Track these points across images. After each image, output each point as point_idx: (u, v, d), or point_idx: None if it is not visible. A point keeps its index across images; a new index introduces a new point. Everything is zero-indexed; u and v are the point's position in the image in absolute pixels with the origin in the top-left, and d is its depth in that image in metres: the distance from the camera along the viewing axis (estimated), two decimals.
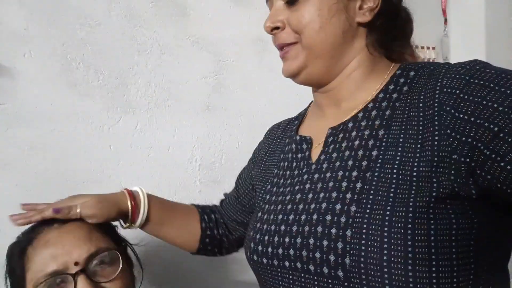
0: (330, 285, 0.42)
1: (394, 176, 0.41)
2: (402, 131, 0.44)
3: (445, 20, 1.47)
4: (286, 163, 0.57)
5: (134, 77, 0.90)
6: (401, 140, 0.43)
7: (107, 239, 0.58)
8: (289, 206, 0.49)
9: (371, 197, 0.41)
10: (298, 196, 0.49)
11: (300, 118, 0.63)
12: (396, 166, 0.42)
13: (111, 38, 0.87)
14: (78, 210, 0.57)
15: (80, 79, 0.84)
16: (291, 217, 0.47)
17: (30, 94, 0.79)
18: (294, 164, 0.55)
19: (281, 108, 1.00)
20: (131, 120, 0.89)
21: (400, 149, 0.42)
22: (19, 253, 0.54)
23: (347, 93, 0.52)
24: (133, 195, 0.64)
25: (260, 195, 0.60)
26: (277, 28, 0.51)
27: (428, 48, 1.46)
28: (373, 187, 0.42)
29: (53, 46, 0.82)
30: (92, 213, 0.57)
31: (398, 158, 0.42)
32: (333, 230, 0.42)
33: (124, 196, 0.63)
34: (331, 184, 0.46)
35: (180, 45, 0.95)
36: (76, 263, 0.52)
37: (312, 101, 0.62)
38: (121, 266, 0.55)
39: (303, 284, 0.45)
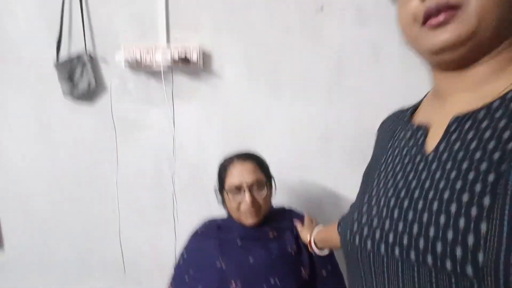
0: (452, 280, 0.38)
1: None
2: None
3: None
4: (396, 151, 0.53)
5: (284, 68, 1.42)
6: None
7: (263, 174, 1.12)
8: (403, 194, 0.46)
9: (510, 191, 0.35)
10: (414, 184, 0.45)
11: (414, 107, 0.59)
12: None
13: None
14: (310, 237, 1.05)
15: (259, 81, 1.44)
16: (406, 203, 0.44)
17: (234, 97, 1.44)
18: (405, 150, 0.51)
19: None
20: (280, 99, 1.45)
21: None
22: (224, 166, 1.14)
23: (484, 77, 0.45)
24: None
25: (369, 182, 0.57)
26: None
27: None
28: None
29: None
30: (303, 231, 1.08)
31: None
32: (461, 223, 0.37)
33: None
34: (453, 175, 0.41)
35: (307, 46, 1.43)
36: (247, 183, 1.09)
37: (427, 93, 0.58)
38: (267, 189, 1.12)
39: (414, 279, 0.41)
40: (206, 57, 1.41)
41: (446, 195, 0.40)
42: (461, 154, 0.42)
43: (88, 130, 1.47)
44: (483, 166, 0.39)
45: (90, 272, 1.55)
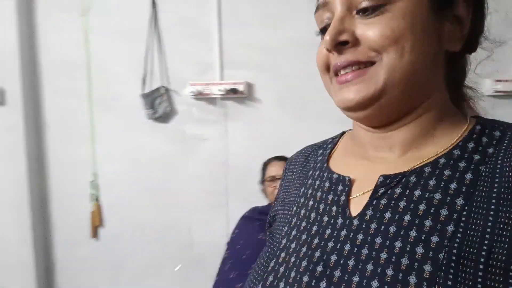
0: None
1: (481, 267, 0.31)
2: (492, 207, 0.33)
3: None
4: (311, 202, 0.46)
5: (306, 96, 1.89)
6: (490, 218, 0.33)
7: None
8: (320, 268, 0.38)
9: None
10: (334, 258, 0.38)
11: (328, 149, 0.52)
12: (484, 254, 0.31)
13: None
14: None
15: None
16: (323, 285, 0.37)
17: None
18: (322, 206, 0.44)
19: None
20: (303, 120, 1.90)
21: (489, 230, 0.32)
22: (265, 164, 1.69)
23: (409, 138, 0.41)
24: None
25: (276, 238, 0.48)
26: (344, 43, 0.39)
27: None
28: (449, 280, 0.31)
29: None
30: None
31: (486, 243, 0.32)
32: None
33: None
34: (384, 256, 0.35)
35: None
36: (279, 175, 1.54)
37: (344, 132, 0.55)
38: None
39: None
40: (250, 88, 1.90)
41: (375, 284, 0.34)
42: (393, 229, 0.37)
43: (163, 144, 1.99)
44: (419, 250, 0.34)
45: (169, 255, 2.02)
